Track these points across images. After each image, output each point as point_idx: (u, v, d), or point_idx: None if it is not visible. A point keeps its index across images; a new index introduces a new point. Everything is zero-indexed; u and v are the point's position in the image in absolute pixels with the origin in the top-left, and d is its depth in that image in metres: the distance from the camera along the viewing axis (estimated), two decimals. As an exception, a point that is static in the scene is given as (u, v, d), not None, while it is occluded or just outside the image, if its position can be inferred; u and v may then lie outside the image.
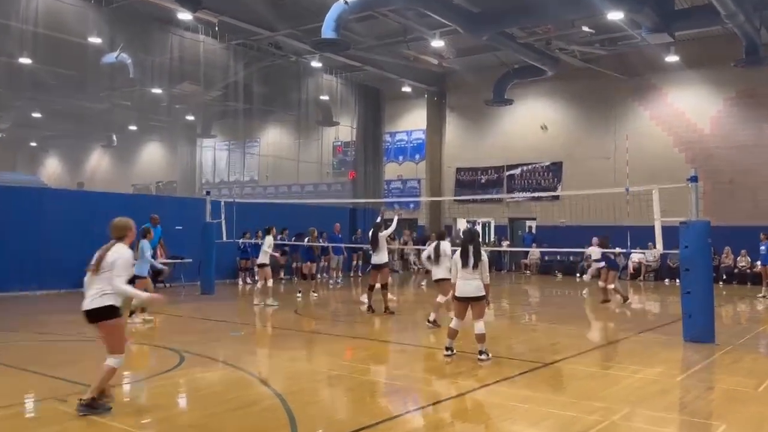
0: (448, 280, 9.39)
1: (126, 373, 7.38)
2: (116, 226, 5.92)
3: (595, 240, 15.51)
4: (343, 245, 20.24)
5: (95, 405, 5.61)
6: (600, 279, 14.77)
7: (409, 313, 13.08)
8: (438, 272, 10.61)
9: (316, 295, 15.88)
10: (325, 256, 20.00)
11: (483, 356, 7.95)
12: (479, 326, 7.99)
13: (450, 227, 27.44)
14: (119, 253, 5.73)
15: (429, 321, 10.70)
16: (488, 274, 8.11)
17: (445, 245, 10.68)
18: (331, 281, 20.27)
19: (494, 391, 6.71)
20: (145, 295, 6.23)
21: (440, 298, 10.65)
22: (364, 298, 13.36)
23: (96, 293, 5.63)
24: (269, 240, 13.70)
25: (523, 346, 9.51)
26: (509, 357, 8.50)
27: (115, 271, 5.63)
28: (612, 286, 14.19)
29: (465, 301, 8.07)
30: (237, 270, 19.68)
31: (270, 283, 13.61)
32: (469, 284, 7.98)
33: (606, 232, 15.94)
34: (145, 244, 10.91)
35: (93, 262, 5.71)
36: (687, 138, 22.87)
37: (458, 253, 8.13)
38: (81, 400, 5.63)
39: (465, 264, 7.99)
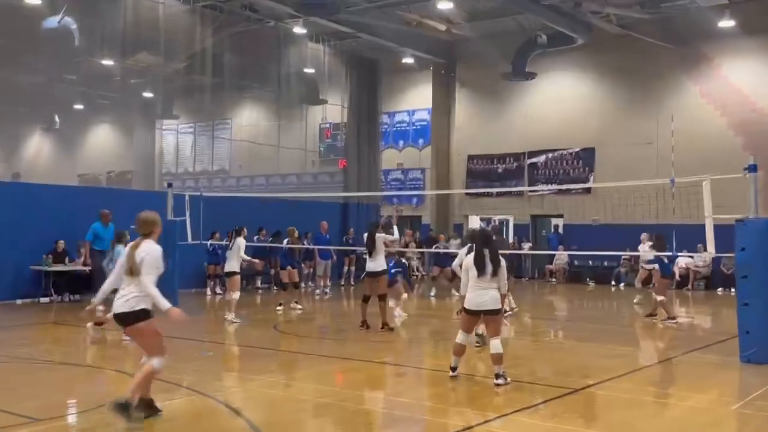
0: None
1: (71, 401, 7.37)
2: (144, 221, 6.49)
3: (644, 236, 15.56)
4: (331, 248, 20.24)
5: (151, 405, 6.37)
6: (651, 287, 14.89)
7: (411, 329, 13.09)
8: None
9: (299, 307, 15.84)
10: (309, 261, 19.99)
11: (500, 380, 7.94)
12: (496, 344, 7.99)
13: (461, 226, 27.47)
14: (147, 251, 6.27)
15: (478, 335, 10.03)
16: (506, 281, 8.16)
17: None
18: (317, 291, 20.29)
19: (513, 422, 6.71)
20: (166, 304, 6.30)
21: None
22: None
23: (127, 295, 6.25)
24: (240, 243, 13.63)
25: (548, 368, 9.52)
26: (531, 381, 8.51)
27: (144, 269, 6.19)
28: (661, 297, 13.93)
29: (477, 315, 8.10)
30: (205, 277, 19.67)
31: (236, 296, 13.50)
32: (486, 294, 7.98)
33: (648, 231, 15.96)
34: (122, 250, 10.54)
35: (126, 263, 6.28)
36: (745, 119, 22.89)
37: (471, 258, 8.15)
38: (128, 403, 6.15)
39: (482, 272, 7.99)
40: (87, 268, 15.98)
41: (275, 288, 20.51)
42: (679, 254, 17.98)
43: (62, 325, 13.43)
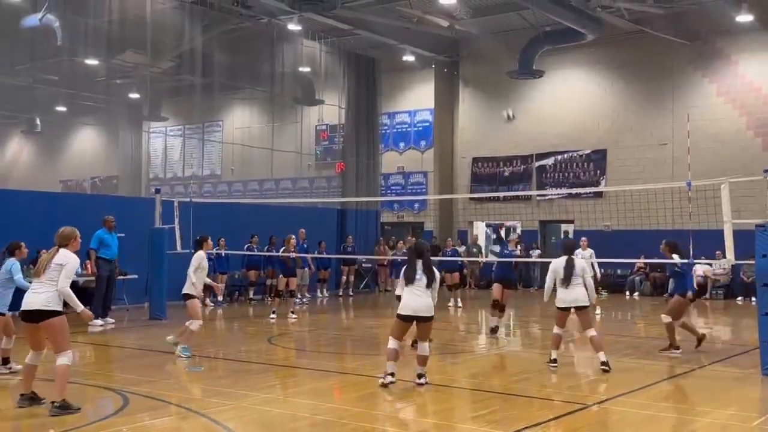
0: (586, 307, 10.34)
1: (53, 419, 7.37)
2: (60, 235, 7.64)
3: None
4: (308, 255, 19.83)
5: (67, 405, 7.26)
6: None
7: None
8: (570, 295, 10.21)
9: (294, 317, 15.98)
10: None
11: (422, 380, 8.78)
12: (424, 347, 8.87)
13: (465, 233, 27.48)
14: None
15: (551, 361, 10.29)
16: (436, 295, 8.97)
17: (580, 261, 10.76)
18: (296, 301, 20.01)
19: (523, 439, 6.71)
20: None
21: (591, 332, 10.18)
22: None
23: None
24: (200, 258, 11.32)
25: (559, 382, 9.51)
26: (541, 397, 8.51)
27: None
28: (668, 319, 11.55)
29: (410, 321, 8.77)
30: (195, 288, 19.65)
31: (195, 326, 10.95)
32: (420, 300, 8.72)
33: (663, 237, 15.93)
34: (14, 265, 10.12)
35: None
36: (764, 119, 22.93)
37: (405, 268, 8.97)
38: (53, 403, 7.24)
39: (411, 282, 8.79)
40: (82, 279, 16.01)
41: (269, 299, 20.54)
42: (696, 261, 17.93)
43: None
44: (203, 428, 7.19)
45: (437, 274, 8.95)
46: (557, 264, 10.34)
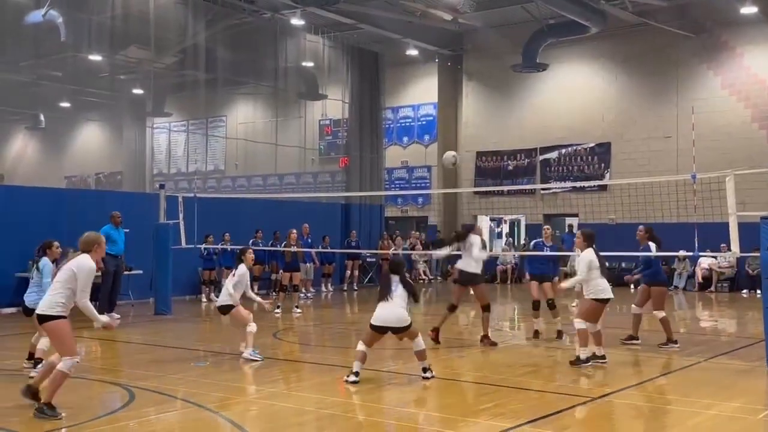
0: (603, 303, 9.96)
1: (62, 414, 7.39)
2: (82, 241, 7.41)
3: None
4: (312, 250, 19.89)
5: (51, 409, 7.05)
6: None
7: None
8: (592, 288, 9.90)
9: (299, 311, 16.00)
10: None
11: (428, 374, 8.88)
12: (419, 342, 8.94)
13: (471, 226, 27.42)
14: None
15: (594, 358, 9.93)
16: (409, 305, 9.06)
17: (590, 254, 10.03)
18: (301, 295, 20.09)
19: (528, 432, 6.71)
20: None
21: (588, 326, 9.85)
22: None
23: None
24: (242, 274, 10.73)
25: (564, 376, 9.52)
26: (547, 390, 8.51)
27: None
28: (663, 314, 11.56)
29: (383, 332, 8.89)
30: (199, 283, 19.71)
31: (252, 327, 10.42)
32: (392, 312, 8.81)
33: (668, 230, 15.90)
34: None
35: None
36: (769, 111, 22.90)
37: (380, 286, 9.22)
38: (40, 402, 7.08)
39: (385, 298, 8.89)
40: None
41: (274, 293, 20.55)
42: (701, 254, 17.94)
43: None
44: (209, 422, 7.21)
45: (414, 287, 9.18)
46: (591, 256, 9.88)
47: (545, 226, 14.30)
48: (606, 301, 9.93)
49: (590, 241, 10.14)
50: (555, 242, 13.66)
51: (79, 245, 7.42)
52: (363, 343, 8.93)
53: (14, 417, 7.11)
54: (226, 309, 10.60)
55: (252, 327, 10.40)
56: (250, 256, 11.07)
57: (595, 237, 10.21)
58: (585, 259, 9.87)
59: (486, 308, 11.62)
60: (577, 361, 9.74)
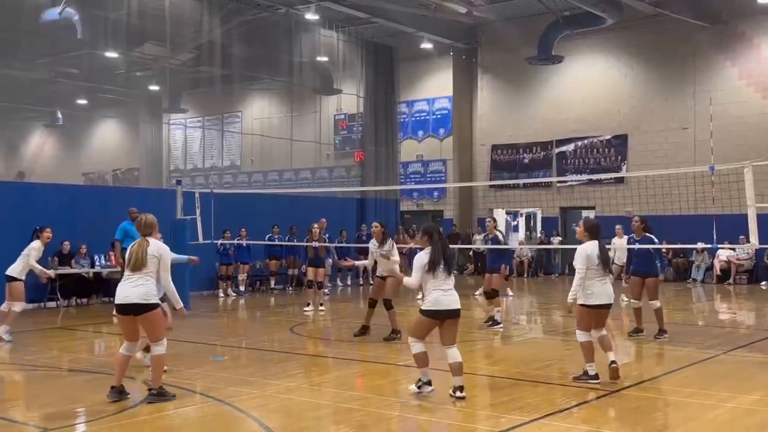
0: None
1: (79, 410, 7.46)
2: (144, 224, 7.62)
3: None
4: (332, 245, 19.74)
5: (163, 392, 7.49)
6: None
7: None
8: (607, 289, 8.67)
9: (322, 309, 15.68)
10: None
11: (459, 393, 7.59)
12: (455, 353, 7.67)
13: (484, 220, 27.36)
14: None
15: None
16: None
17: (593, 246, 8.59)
18: (325, 292, 20.12)
19: (544, 426, 6.70)
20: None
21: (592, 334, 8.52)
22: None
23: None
24: (34, 246, 11.72)
25: (580, 369, 9.48)
26: (562, 384, 8.48)
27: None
28: (659, 304, 11.49)
29: (441, 317, 7.63)
30: (217, 278, 19.80)
31: (18, 308, 11.60)
32: (451, 295, 7.63)
33: (686, 222, 15.85)
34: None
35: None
36: (787, 101, 22.70)
37: (428, 259, 7.61)
38: (150, 390, 7.49)
39: (446, 271, 7.63)
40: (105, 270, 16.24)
41: (290, 289, 20.62)
42: (719, 246, 17.80)
43: (69, 330, 13.57)
44: (227, 417, 7.25)
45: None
46: (590, 250, 8.42)
47: (488, 219, 14.65)
48: (597, 307, 8.31)
49: (593, 232, 8.55)
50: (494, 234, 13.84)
51: (139, 229, 7.59)
52: (415, 338, 7.67)
53: (38, 411, 7.16)
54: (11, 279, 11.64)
55: (18, 306, 11.49)
56: (46, 234, 11.90)
57: (600, 229, 8.64)
58: (582, 252, 8.42)
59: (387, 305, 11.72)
60: (584, 376, 8.40)
